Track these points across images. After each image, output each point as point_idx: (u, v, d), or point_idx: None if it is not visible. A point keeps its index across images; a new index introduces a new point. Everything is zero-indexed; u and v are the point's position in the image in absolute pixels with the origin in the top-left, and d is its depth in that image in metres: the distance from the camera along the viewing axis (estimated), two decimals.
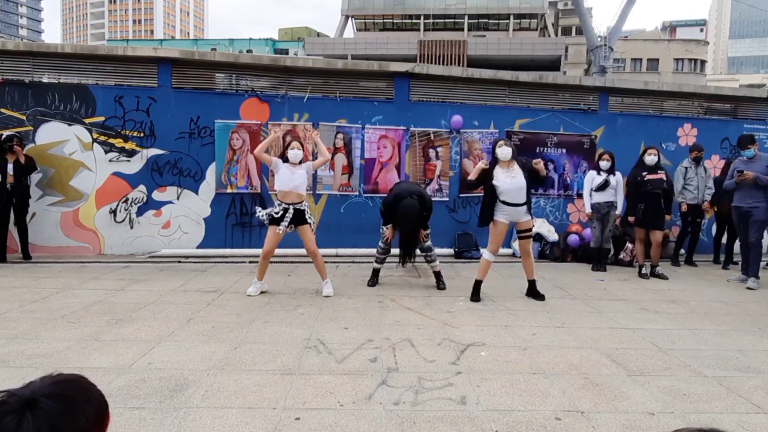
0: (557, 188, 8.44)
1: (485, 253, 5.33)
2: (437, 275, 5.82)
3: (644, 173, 6.77)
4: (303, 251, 7.22)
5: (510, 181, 5.12)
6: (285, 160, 5.23)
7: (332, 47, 40.30)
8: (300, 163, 5.26)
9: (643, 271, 6.79)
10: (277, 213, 5.17)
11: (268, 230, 5.26)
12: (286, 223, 5.15)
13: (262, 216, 5.29)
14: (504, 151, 5.15)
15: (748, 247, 6.37)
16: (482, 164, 5.25)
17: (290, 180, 5.17)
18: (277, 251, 7.36)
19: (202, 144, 7.56)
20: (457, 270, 6.89)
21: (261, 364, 3.47)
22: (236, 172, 7.63)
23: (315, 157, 6.06)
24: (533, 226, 5.28)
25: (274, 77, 7.95)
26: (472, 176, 5.32)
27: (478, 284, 5.34)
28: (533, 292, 5.43)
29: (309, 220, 5.30)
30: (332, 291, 5.36)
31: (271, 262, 7.13)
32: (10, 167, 6.63)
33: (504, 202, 5.16)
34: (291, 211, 5.16)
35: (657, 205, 6.75)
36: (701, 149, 7.62)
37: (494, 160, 5.24)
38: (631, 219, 6.93)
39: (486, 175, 5.21)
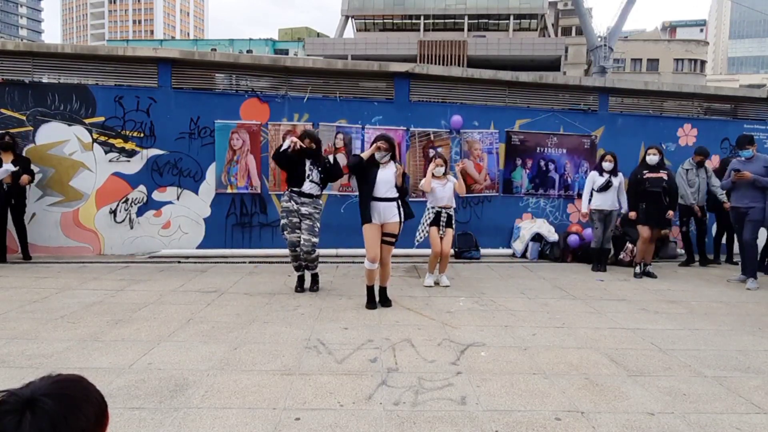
0: (557, 188, 8.45)
1: (366, 263, 4.99)
2: (314, 277, 5.68)
3: (645, 171, 6.79)
4: None
5: (380, 172, 4.91)
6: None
7: (332, 47, 40.33)
8: (445, 176, 6.03)
9: (637, 270, 6.79)
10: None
11: (432, 232, 5.96)
12: (444, 224, 5.91)
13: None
14: (381, 156, 4.92)
15: (743, 246, 6.38)
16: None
17: (441, 190, 5.97)
18: (277, 252, 7.41)
19: (202, 144, 7.56)
20: (457, 270, 6.89)
21: (261, 365, 3.47)
22: (236, 172, 7.63)
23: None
24: (397, 234, 5.03)
25: (274, 77, 7.95)
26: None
27: (370, 289, 5.03)
28: (383, 297, 5.09)
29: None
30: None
31: (271, 262, 7.18)
32: (7, 167, 6.61)
33: (374, 198, 4.88)
34: (444, 215, 5.94)
35: (659, 204, 6.75)
36: (706, 154, 7.58)
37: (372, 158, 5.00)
38: (632, 214, 6.89)
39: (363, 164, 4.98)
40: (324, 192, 7.70)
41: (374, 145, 4.97)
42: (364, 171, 4.94)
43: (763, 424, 2.79)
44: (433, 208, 6.02)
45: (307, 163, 5.40)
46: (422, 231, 6.11)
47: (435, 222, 5.98)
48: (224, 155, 7.60)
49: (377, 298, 5.04)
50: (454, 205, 6.08)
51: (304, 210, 5.39)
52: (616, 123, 8.53)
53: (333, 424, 2.68)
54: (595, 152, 8.35)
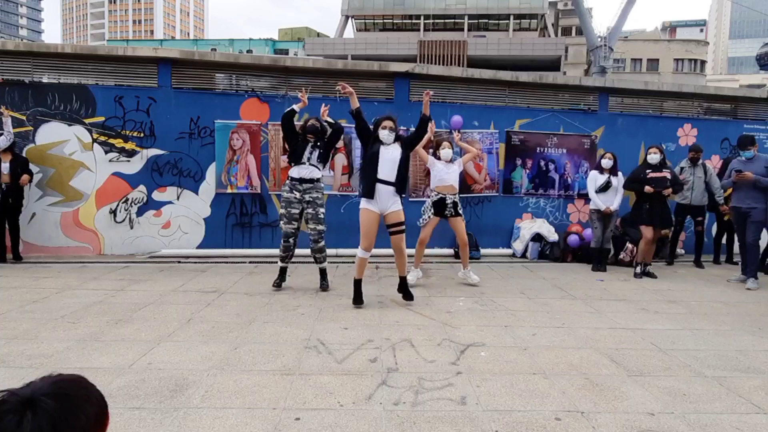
0: (557, 188, 8.45)
1: (359, 251, 4.91)
2: (323, 273, 5.69)
3: (648, 171, 6.78)
4: (303, 251, 7.24)
5: (384, 151, 4.84)
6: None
7: (332, 47, 40.35)
8: (451, 161, 6.03)
9: (638, 270, 6.78)
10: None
11: (432, 221, 5.90)
12: (451, 213, 5.87)
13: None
14: (384, 135, 4.87)
15: (746, 247, 6.37)
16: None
17: (446, 174, 5.92)
18: (277, 252, 7.36)
19: (202, 144, 7.56)
20: (457, 270, 6.88)
21: (261, 365, 3.47)
22: (236, 172, 7.63)
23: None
24: (404, 220, 4.98)
25: (274, 77, 7.95)
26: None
27: (358, 284, 4.97)
28: (404, 288, 5.10)
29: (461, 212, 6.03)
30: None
31: (271, 262, 7.17)
32: (5, 166, 6.61)
33: (376, 179, 4.80)
34: (449, 201, 5.89)
35: (663, 204, 6.74)
36: (699, 150, 7.59)
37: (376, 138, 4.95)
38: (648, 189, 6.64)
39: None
40: (324, 192, 7.72)
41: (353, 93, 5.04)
42: (369, 140, 4.93)
43: (763, 424, 2.79)
44: (436, 193, 5.91)
45: (309, 144, 5.45)
46: (426, 216, 5.96)
47: (439, 211, 5.89)
48: (224, 155, 7.60)
49: (399, 290, 5.12)
50: (457, 189, 6.00)
51: (308, 197, 5.44)
52: (616, 123, 8.53)
53: (333, 424, 2.69)
54: (595, 152, 8.34)
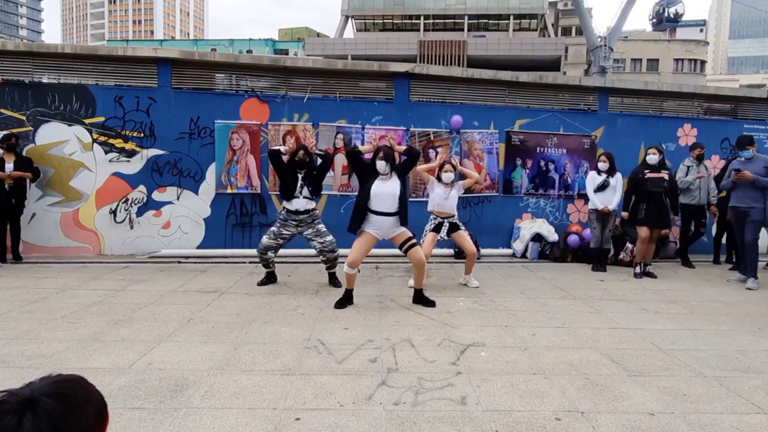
0: (557, 188, 8.44)
1: (345, 267, 4.86)
2: (332, 276, 5.81)
3: (646, 171, 6.79)
4: (303, 251, 7.25)
5: (381, 184, 4.76)
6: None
7: (332, 47, 40.35)
8: (452, 183, 5.84)
9: (637, 270, 6.78)
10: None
11: (429, 236, 5.82)
12: (445, 234, 5.84)
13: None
14: (381, 166, 4.78)
15: (745, 247, 6.38)
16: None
17: (444, 200, 5.81)
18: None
19: (202, 144, 7.56)
20: (457, 270, 6.89)
21: (261, 365, 3.47)
22: (236, 172, 7.63)
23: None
24: (412, 235, 4.96)
25: (274, 78, 7.95)
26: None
27: (348, 292, 4.97)
28: (421, 299, 5.07)
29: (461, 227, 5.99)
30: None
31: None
32: (9, 167, 6.62)
33: (372, 211, 4.76)
34: (446, 224, 5.85)
35: (660, 204, 6.75)
36: (703, 146, 7.62)
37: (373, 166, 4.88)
38: (624, 214, 7.11)
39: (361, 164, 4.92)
40: (324, 192, 7.71)
41: (374, 145, 5.01)
42: (365, 175, 4.88)
43: (763, 424, 2.79)
44: (434, 218, 5.93)
45: (300, 177, 5.52)
46: (424, 235, 6.00)
47: (436, 230, 5.90)
48: (224, 155, 7.60)
49: (414, 301, 5.07)
50: (455, 213, 5.98)
51: (301, 228, 5.60)
52: (616, 123, 8.53)
53: (333, 424, 2.69)
54: (595, 152, 8.34)
